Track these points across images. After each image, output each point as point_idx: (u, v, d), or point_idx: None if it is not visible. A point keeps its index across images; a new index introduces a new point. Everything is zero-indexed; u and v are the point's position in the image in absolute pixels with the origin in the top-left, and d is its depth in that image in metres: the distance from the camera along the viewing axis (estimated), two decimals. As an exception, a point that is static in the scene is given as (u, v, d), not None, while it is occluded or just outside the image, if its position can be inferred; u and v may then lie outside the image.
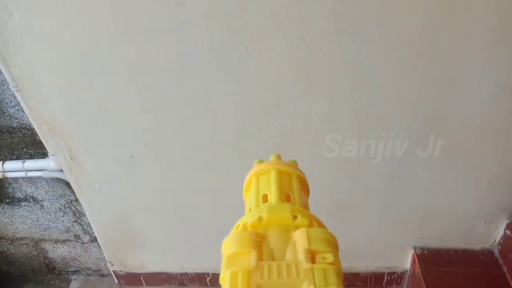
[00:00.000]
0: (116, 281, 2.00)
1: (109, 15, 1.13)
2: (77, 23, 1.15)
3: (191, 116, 1.32)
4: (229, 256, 0.32)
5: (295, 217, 0.36)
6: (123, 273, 1.92)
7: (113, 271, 1.93)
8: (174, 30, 1.13)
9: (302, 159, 1.40)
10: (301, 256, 0.31)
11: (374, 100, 1.22)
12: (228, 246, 0.33)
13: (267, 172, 0.44)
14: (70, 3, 1.12)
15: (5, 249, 2.09)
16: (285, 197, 0.40)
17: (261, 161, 0.47)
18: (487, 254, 1.60)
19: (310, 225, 0.35)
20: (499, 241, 1.56)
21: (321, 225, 0.36)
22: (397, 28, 1.08)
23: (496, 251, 1.59)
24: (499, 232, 1.55)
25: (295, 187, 0.43)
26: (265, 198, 0.41)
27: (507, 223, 1.51)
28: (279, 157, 0.47)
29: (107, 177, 1.53)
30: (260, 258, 0.32)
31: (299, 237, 0.33)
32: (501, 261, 1.56)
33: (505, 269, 1.52)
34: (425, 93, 1.20)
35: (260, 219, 0.36)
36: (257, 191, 0.42)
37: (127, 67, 1.22)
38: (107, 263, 1.93)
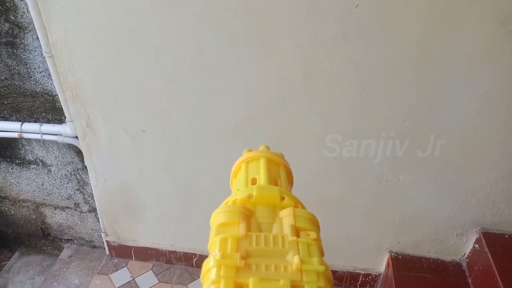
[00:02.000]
0: (107, 252, 2.10)
1: None
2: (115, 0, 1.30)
3: (203, 100, 1.46)
4: (219, 225, 0.34)
5: (282, 198, 0.38)
6: (115, 245, 2.03)
7: (106, 241, 2.04)
8: (200, 18, 1.28)
9: (298, 151, 1.54)
10: (287, 230, 0.34)
11: (370, 104, 1.36)
12: (218, 216, 0.35)
13: (256, 159, 0.46)
14: (113, -17, 1.27)
15: (6, 209, 2.20)
16: (273, 181, 0.43)
17: (250, 150, 0.49)
18: (456, 265, 1.73)
19: (295, 207, 0.38)
20: (468, 254, 1.69)
21: (305, 208, 0.39)
22: (396, 39, 1.23)
23: (464, 264, 1.72)
24: (469, 246, 1.68)
25: (282, 175, 0.45)
26: (254, 181, 0.43)
27: (476, 238, 1.64)
28: (268, 148, 0.50)
29: (117, 147, 1.65)
30: (248, 229, 0.34)
31: (286, 214, 0.36)
32: (467, 273, 1.68)
33: (469, 280, 1.65)
34: (415, 101, 1.34)
35: (250, 196, 0.38)
36: (246, 175, 0.44)
37: (153, 46, 1.36)
38: (102, 233, 2.04)
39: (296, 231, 0.34)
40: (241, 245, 0.32)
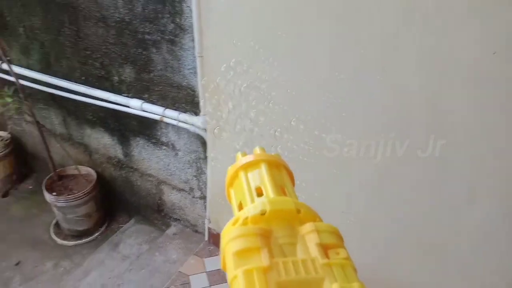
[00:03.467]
0: (206, 238, 2.31)
1: (288, 19, 1.42)
2: (267, 14, 1.46)
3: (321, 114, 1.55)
4: (236, 253, 0.30)
5: (298, 211, 0.35)
6: (215, 233, 2.22)
7: (208, 227, 2.24)
8: (333, 43, 1.38)
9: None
10: (315, 251, 0.30)
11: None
12: (234, 242, 0.31)
13: (255, 164, 0.42)
14: None
15: (135, 179, 2.55)
16: (280, 190, 0.39)
17: (245, 154, 0.45)
18: None
19: (313, 220, 0.35)
20: None
21: (321, 220, 0.36)
22: None
23: None
24: None
25: (286, 181, 0.41)
26: (259, 192, 0.39)
27: None
28: (264, 150, 0.45)
29: (239, 147, 1.83)
30: (271, 255, 0.30)
31: (308, 231, 0.32)
32: None
33: None
34: None
35: (262, 212, 0.34)
36: (248, 184, 0.40)
37: (288, 63, 1.50)
38: (205, 220, 2.24)
39: (324, 250, 0.31)
40: (269, 278, 0.28)
